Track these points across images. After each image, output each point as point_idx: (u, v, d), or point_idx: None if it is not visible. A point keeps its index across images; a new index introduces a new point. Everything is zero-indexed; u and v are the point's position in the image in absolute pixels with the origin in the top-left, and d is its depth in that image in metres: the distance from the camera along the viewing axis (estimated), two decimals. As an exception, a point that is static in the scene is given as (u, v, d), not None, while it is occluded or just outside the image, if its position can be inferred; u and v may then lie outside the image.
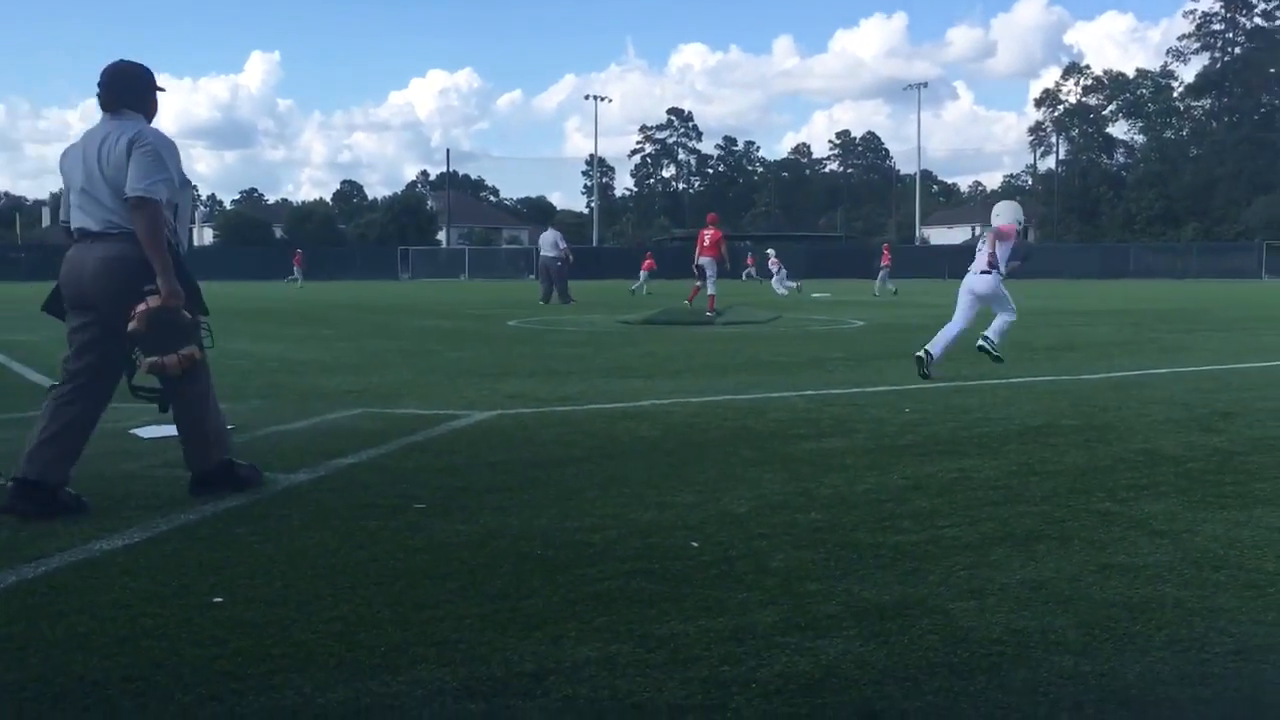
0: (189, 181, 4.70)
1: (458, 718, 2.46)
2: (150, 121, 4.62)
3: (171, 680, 2.67)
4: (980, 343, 9.93)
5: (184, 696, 2.57)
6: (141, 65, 4.70)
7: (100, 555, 3.79)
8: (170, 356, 4.43)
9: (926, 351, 9.18)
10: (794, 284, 34.34)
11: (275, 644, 2.92)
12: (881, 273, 33.55)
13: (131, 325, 4.35)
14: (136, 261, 4.39)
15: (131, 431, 6.41)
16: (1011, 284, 10.16)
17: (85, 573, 3.59)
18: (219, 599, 3.30)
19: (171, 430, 6.44)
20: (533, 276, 27.16)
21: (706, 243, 21.28)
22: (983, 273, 9.57)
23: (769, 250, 40.12)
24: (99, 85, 4.58)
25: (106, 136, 4.45)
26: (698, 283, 21.41)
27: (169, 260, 4.41)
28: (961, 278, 10.01)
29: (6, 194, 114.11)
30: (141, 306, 4.35)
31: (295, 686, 2.63)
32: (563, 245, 25.82)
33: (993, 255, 9.50)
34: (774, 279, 34.73)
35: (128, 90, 4.59)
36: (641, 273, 36.20)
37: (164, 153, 4.44)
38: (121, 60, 4.67)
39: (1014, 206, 10.10)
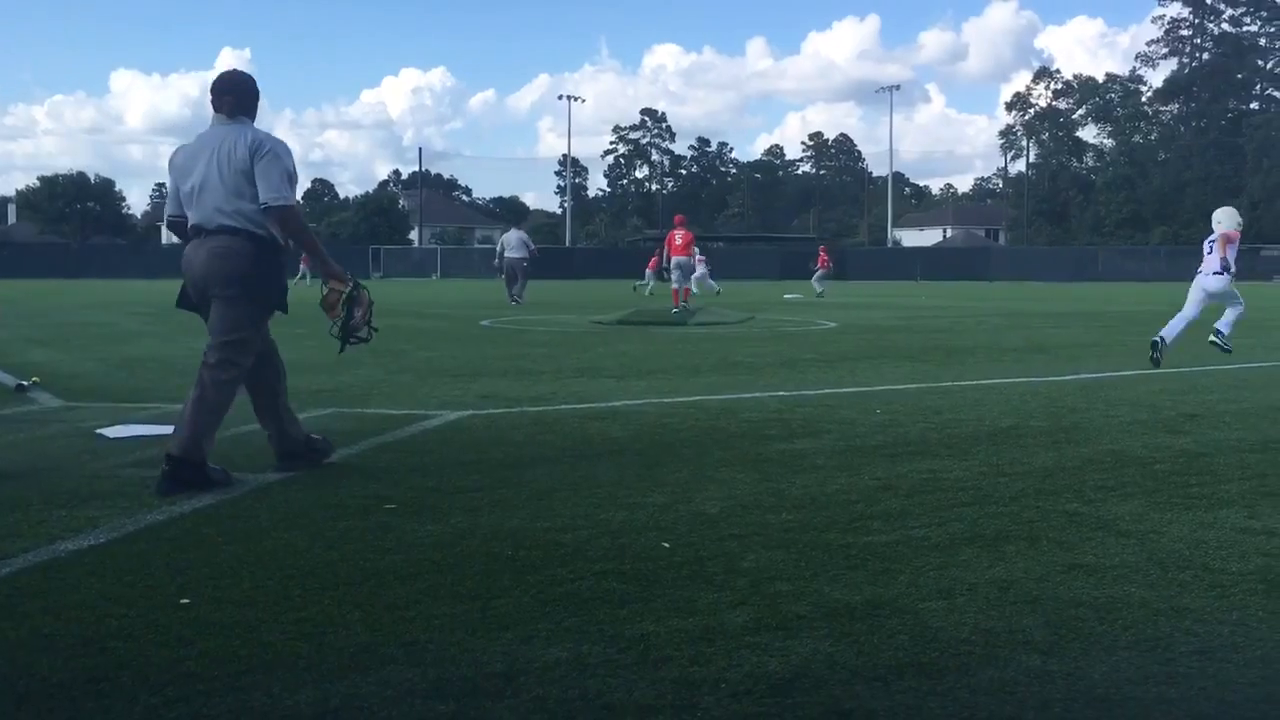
0: (295, 177, 5.10)
1: (427, 718, 2.45)
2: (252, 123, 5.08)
3: (137, 682, 2.64)
4: (1211, 337, 10.91)
5: (150, 698, 2.55)
6: (249, 75, 5.19)
7: (66, 556, 3.75)
8: (357, 314, 5.29)
9: (1161, 338, 10.39)
10: (715, 285, 33.23)
11: (243, 645, 2.90)
12: (818, 274, 32.81)
13: (330, 313, 5.24)
14: (242, 254, 4.84)
15: (98, 431, 6.34)
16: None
17: (50, 573, 3.55)
18: (186, 600, 3.27)
19: (137, 430, 6.40)
20: (504, 277, 26.83)
21: (678, 242, 22.11)
22: (1215, 274, 10.63)
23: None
24: (216, 92, 5.03)
25: (224, 141, 4.87)
26: (674, 285, 22.06)
27: (321, 248, 5.16)
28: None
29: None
30: (331, 295, 5.21)
31: (263, 688, 2.61)
32: (533, 247, 25.70)
33: (1224, 258, 10.58)
34: (694, 276, 34.12)
35: (244, 97, 5.04)
36: (647, 271, 35.97)
37: (283, 156, 4.92)
38: (234, 70, 5.20)
39: (1234, 212, 11.05)
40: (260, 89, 5.19)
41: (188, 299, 5.11)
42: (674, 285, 21.98)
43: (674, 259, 22.22)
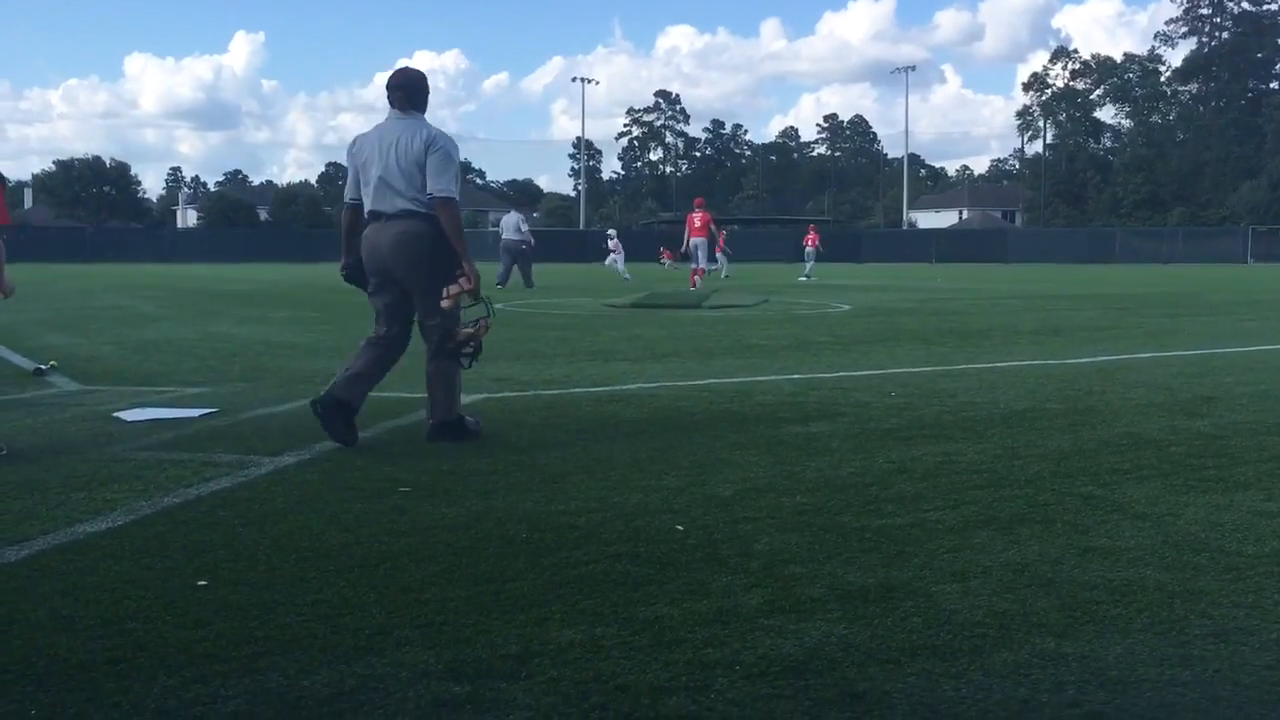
0: (460, 173, 5.63)
1: (442, 700, 2.46)
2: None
3: (155, 663, 2.67)
4: None
5: (168, 679, 2.57)
6: (421, 72, 5.68)
7: (84, 538, 3.78)
8: (481, 324, 5.55)
9: None
10: (625, 273, 31.06)
11: (259, 627, 2.92)
12: (808, 253, 31.30)
13: (445, 302, 5.38)
14: (422, 237, 5.35)
15: (115, 415, 6.38)
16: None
17: (69, 555, 3.58)
18: (203, 582, 3.30)
19: (154, 413, 6.43)
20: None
21: (697, 224, 22.95)
22: None
23: (610, 231, 39.29)
24: (393, 88, 5.50)
25: (401, 134, 5.38)
26: (692, 265, 22.70)
27: (467, 248, 5.45)
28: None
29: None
30: (454, 288, 5.36)
31: (279, 669, 2.63)
32: (525, 229, 25.07)
33: None
34: (609, 259, 33.40)
35: (417, 94, 5.55)
36: (665, 259, 35.82)
37: (452, 152, 5.42)
38: (410, 68, 5.64)
39: None
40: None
41: (357, 274, 5.62)
42: (702, 265, 22.69)
43: (692, 240, 22.90)
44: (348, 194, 5.66)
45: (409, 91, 5.50)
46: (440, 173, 5.31)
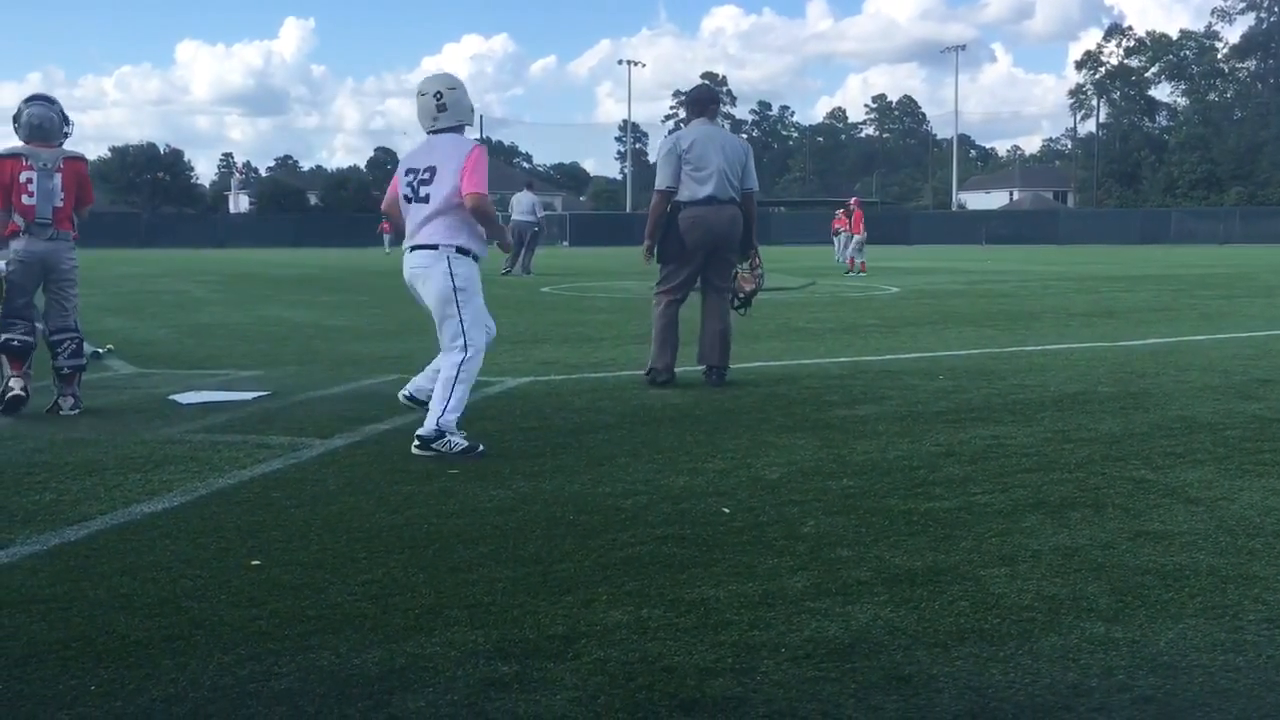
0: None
1: (490, 679, 2.49)
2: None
3: (210, 640, 2.72)
4: None
5: (223, 656, 2.62)
6: (710, 86, 7.52)
7: (141, 518, 3.86)
8: (756, 284, 7.22)
9: None
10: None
11: (311, 606, 2.97)
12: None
13: (758, 271, 7.18)
14: (743, 221, 6.97)
15: (170, 398, 6.49)
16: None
17: (127, 535, 3.66)
18: (257, 561, 3.36)
19: (208, 396, 6.54)
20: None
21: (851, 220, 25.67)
22: None
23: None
24: (692, 103, 7.53)
25: (726, 139, 7.03)
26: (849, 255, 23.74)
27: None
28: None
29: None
30: (758, 260, 7.18)
31: (331, 647, 2.68)
32: (541, 213, 23.78)
33: None
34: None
35: (712, 103, 7.36)
36: None
37: (752, 155, 7.13)
38: (704, 84, 7.51)
39: None
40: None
41: (679, 247, 6.91)
42: (850, 255, 24.02)
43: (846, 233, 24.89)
44: (667, 182, 6.87)
45: (704, 103, 7.25)
46: (753, 172, 7.00)
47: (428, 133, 5.12)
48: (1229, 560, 3.31)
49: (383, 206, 5.46)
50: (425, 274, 4.97)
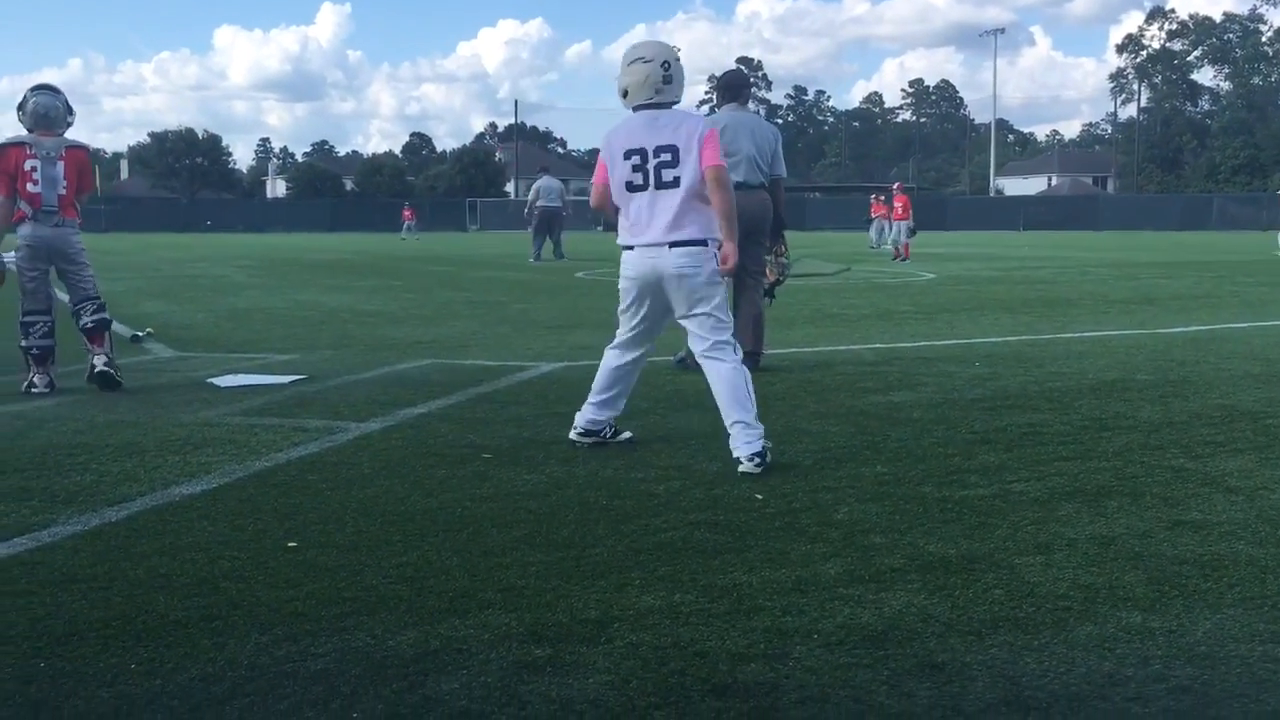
0: None
1: (523, 662, 2.51)
2: None
3: (249, 621, 2.75)
4: None
5: (260, 636, 2.65)
6: (742, 71, 7.86)
7: (180, 500, 3.91)
8: (782, 273, 7.27)
9: None
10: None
11: (347, 588, 2.99)
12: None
13: (782, 259, 7.17)
14: (770, 206, 6.90)
15: (209, 381, 6.56)
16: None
17: (166, 516, 3.70)
18: (293, 543, 3.39)
19: (246, 379, 6.60)
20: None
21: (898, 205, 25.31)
22: None
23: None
24: (724, 88, 7.36)
25: (755, 124, 7.00)
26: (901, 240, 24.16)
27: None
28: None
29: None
30: (783, 247, 7.17)
31: (366, 629, 2.70)
32: (567, 197, 23.76)
33: None
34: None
35: (744, 88, 7.41)
36: None
37: (781, 140, 7.14)
38: (737, 69, 7.48)
39: None
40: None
41: None
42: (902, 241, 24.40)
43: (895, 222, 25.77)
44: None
45: (739, 88, 7.26)
46: (782, 158, 7.01)
47: (641, 105, 4.51)
48: (1269, 550, 3.27)
49: (593, 203, 4.83)
50: (694, 273, 4.41)
